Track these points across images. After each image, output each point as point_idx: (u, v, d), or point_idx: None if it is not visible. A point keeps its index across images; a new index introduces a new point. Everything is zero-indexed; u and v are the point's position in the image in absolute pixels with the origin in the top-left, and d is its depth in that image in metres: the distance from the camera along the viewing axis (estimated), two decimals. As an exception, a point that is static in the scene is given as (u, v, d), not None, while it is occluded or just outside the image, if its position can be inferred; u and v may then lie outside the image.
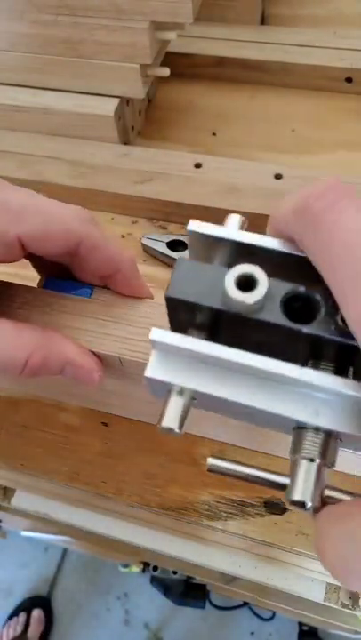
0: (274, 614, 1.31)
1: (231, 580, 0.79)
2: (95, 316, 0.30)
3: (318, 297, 0.21)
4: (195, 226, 0.24)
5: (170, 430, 0.22)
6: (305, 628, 1.27)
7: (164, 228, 0.52)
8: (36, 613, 1.37)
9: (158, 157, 0.53)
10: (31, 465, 0.42)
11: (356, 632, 0.81)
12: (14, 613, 1.39)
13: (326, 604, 0.50)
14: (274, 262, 0.23)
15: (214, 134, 0.60)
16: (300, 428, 0.22)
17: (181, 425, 0.22)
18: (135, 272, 0.30)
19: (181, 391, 0.23)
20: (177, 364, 0.23)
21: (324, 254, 0.19)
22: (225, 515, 0.38)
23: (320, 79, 0.60)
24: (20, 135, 0.56)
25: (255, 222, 0.50)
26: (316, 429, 0.21)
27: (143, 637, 1.36)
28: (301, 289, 0.21)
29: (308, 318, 0.20)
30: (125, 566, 1.15)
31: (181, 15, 0.47)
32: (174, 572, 1.07)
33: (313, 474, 0.21)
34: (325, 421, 0.21)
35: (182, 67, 0.62)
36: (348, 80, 0.60)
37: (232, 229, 0.24)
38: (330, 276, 0.19)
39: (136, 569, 1.13)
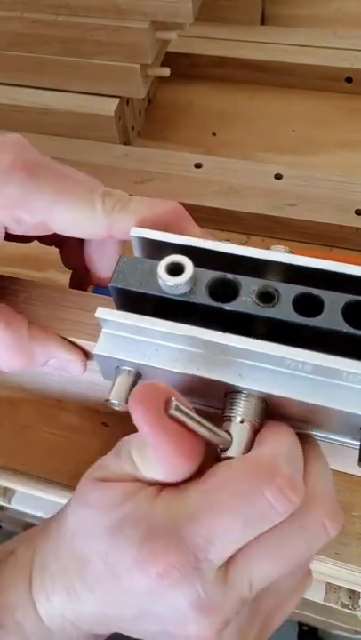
0: (274, 614, 1.31)
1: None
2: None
3: (239, 280, 0.24)
4: (137, 232, 0.26)
5: (114, 404, 0.25)
6: (305, 628, 1.27)
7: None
8: None
9: (158, 157, 0.53)
10: (31, 465, 0.42)
11: (356, 632, 0.81)
12: None
13: (326, 603, 0.50)
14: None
15: (214, 134, 0.60)
16: (232, 393, 0.25)
17: (125, 400, 0.25)
18: (183, 221, 0.28)
19: (128, 371, 0.26)
20: (121, 341, 0.26)
21: None
22: (225, 515, 0.38)
23: (320, 79, 0.60)
24: (20, 135, 0.56)
25: (255, 222, 0.50)
26: (244, 393, 0.24)
27: (143, 638, 1.36)
28: (225, 275, 0.24)
29: (232, 299, 0.24)
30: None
31: (181, 15, 0.47)
32: (174, 573, 1.07)
33: (246, 433, 0.24)
34: (248, 383, 0.24)
35: (182, 67, 0.62)
36: (349, 80, 0.60)
37: (165, 234, 0.26)
38: None
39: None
